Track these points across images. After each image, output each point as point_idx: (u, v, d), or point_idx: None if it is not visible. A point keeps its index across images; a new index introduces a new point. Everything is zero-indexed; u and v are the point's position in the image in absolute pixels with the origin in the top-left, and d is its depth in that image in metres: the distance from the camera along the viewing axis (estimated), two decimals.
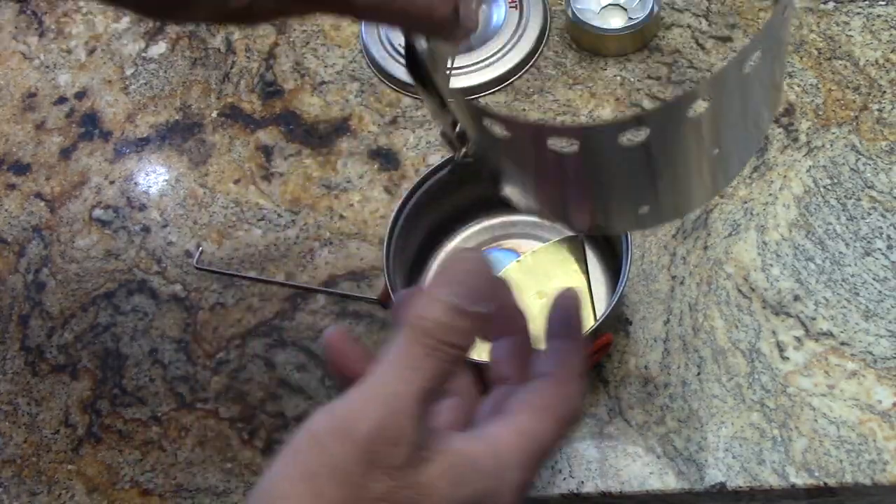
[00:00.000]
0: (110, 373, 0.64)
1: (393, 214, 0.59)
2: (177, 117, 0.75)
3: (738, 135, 0.37)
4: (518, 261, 0.63)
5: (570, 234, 0.63)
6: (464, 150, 0.41)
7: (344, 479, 0.32)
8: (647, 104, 0.70)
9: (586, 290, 0.62)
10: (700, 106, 0.33)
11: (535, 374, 0.38)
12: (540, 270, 0.63)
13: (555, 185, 0.38)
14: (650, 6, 0.71)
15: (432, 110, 0.41)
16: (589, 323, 0.57)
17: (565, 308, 0.40)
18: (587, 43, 0.73)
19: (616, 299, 0.56)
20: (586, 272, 0.63)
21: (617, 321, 0.62)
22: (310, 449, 0.33)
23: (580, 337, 0.39)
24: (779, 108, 0.43)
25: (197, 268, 0.67)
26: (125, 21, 0.81)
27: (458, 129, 0.41)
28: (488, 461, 0.34)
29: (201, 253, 0.68)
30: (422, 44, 0.40)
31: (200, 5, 0.40)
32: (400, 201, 0.60)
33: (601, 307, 0.61)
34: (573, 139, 0.34)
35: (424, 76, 0.39)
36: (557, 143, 0.34)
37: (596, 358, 0.59)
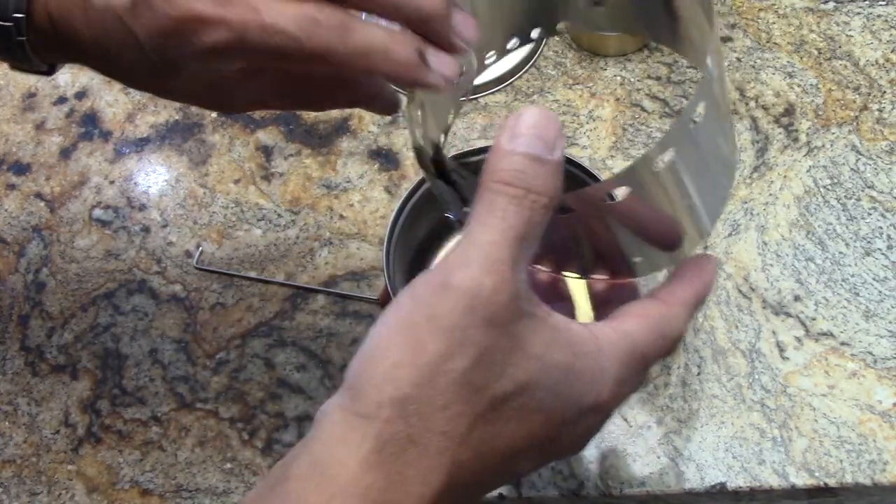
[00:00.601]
0: (110, 373, 0.64)
1: (393, 214, 0.59)
2: (177, 117, 0.75)
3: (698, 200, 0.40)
4: None
5: None
6: None
7: (443, 328, 0.32)
8: (648, 104, 0.70)
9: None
10: (619, 193, 0.36)
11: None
12: None
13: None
14: None
15: (440, 192, 0.42)
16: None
17: (698, 262, 0.41)
18: (587, 43, 0.73)
19: None
20: None
21: None
22: (410, 302, 0.33)
23: (700, 284, 0.40)
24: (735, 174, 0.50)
25: (197, 268, 0.67)
26: None
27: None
28: (586, 342, 0.35)
29: (201, 253, 0.68)
30: (418, 140, 0.40)
31: (192, 73, 0.43)
32: (400, 201, 0.60)
33: None
34: None
35: (434, 167, 0.40)
36: None
37: None
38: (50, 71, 0.46)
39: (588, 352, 0.35)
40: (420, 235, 0.63)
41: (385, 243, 0.58)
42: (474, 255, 0.33)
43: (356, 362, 0.34)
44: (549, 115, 0.34)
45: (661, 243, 0.41)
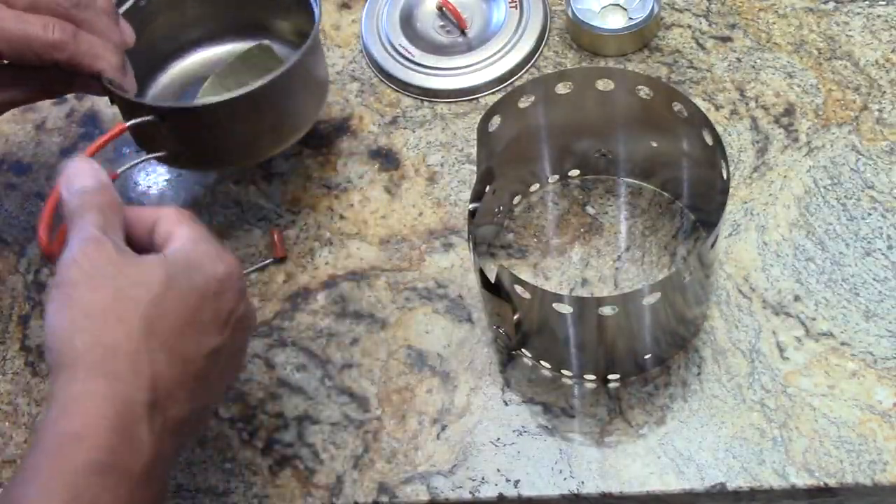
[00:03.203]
0: None
1: None
2: None
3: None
4: (215, 73, 0.67)
5: (256, 42, 0.68)
6: (517, 337, 0.58)
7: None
8: None
9: None
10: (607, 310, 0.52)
11: None
12: (240, 75, 0.66)
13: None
14: (650, 6, 0.71)
15: (498, 313, 0.56)
16: None
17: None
18: (587, 43, 0.73)
19: (297, 56, 0.60)
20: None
21: None
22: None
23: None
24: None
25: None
26: None
27: (515, 317, 0.55)
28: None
29: None
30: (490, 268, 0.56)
31: None
32: None
33: None
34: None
35: (500, 292, 0.54)
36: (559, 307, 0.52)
37: None
38: None
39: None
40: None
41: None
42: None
43: None
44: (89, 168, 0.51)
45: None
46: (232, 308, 0.48)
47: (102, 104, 0.77)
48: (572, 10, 0.72)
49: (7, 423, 0.64)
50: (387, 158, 0.71)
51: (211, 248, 0.49)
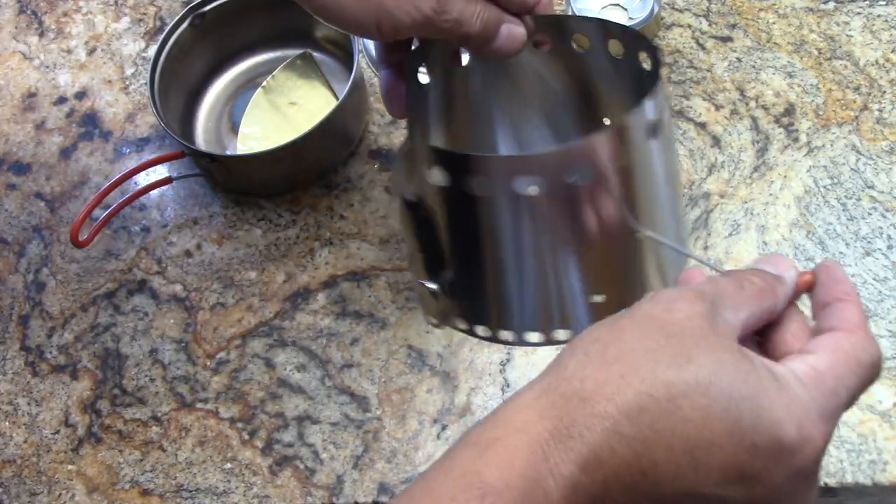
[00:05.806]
0: (110, 373, 0.64)
1: (148, 75, 0.68)
2: None
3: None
4: (262, 87, 0.72)
5: (300, 51, 0.74)
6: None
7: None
8: None
9: (331, 96, 0.72)
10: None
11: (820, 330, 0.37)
12: (284, 88, 0.72)
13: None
14: (650, 6, 0.71)
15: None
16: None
17: (835, 278, 0.39)
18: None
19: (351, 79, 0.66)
20: (326, 82, 0.73)
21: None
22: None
23: (853, 297, 0.38)
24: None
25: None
26: (125, 21, 0.81)
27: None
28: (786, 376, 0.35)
29: None
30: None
31: None
32: (151, 62, 0.68)
33: None
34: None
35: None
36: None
37: None
38: None
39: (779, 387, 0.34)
40: (190, 77, 0.74)
41: (150, 97, 0.67)
42: None
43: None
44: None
45: None
46: None
47: (103, 104, 0.77)
48: (572, 10, 0.72)
49: (7, 423, 0.64)
50: (387, 158, 0.71)
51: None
